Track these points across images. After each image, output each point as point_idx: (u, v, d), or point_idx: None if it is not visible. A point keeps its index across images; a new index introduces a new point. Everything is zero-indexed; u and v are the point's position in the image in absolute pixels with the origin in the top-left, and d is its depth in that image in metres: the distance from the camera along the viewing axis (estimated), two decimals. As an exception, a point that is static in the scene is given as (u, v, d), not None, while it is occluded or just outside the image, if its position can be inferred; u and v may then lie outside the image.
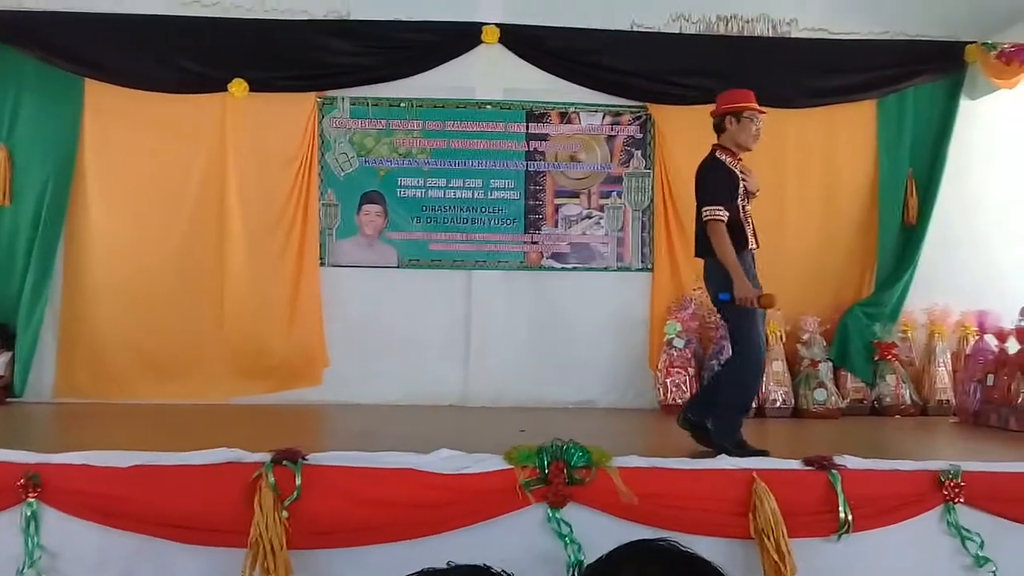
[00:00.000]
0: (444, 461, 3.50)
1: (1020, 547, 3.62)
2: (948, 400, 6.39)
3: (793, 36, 6.81)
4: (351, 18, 6.57)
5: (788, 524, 3.39)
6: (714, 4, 6.78)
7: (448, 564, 2.22)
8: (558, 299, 6.69)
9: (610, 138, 6.82)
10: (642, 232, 6.79)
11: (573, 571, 3.24)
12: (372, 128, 6.71)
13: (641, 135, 6.81)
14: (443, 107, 6.73)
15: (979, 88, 6.76)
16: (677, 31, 6.75)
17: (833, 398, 6.24)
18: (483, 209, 6.74)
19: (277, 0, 6.51)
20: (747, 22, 6.82)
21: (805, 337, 6.42)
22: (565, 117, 6.78)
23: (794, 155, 6.71)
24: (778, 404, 6.20)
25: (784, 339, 6.43)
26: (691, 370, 6.33)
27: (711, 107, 4.61)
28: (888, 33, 6.78)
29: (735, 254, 4.26)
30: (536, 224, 6.76)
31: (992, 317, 6.36)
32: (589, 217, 6.80)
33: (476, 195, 6.73)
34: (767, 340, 6.22)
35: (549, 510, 3.39)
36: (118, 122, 6.46)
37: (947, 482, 3.58)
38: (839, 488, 3.49)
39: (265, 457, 3.36)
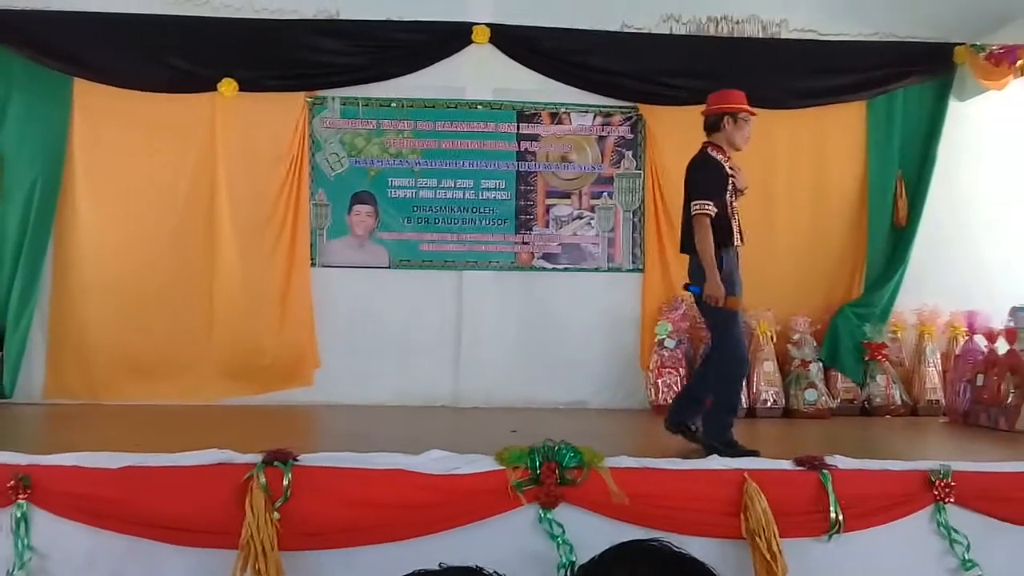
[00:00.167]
0: (435, 462, 3.50)
1: (1009, 546, 3.66)
2: (938, 400, 6.41)
3: (783, 37, 6.82)
4: (341, 18, 6.55)
5: (779, 524, 3.40)
6: (704, 5, 6.78)
7: (440, 565, 2.23)
8: (549, 299, 6.68)
9: (601, 139, 6.81)
10: (633, 233, 6.79)
11: (565, 572, 3.25)
12: (362, 128, 6.68)
13: (632, 136, 6.81)
14: (434, 107, 6.72)
15: (968, 89, 6.77)
16: (667, 32, 6.75)
17: (823, 398, 6.25)
18: (474, 209, 6.72)
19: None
20: (737, 23, 6.83)
21: (795, 337, 6.43)
22: (556, 117, 6.78)
23: (784, 156, 6.72)
24: (768, 404, 6.21)
25: (775, 339, 6.42)
26: (682, 370, 6.31)
27: (702, 107, 4.65)
28: (877, 34, 6.80)
29: (713, 251, 4.30)
30: (527, 224, 6.75)
31: (981, 317, 6.38)
32: (580, 218, 6.80)
33: (467, 195, 6.72)
34: (759, 340, 6.30)
35: (541, 511, 3.40)
36: (107, 121, 6.42)
37: (937, 482, 3.61)
38: (830, 488, 3.51)
39: (256, 458, 3.35)
